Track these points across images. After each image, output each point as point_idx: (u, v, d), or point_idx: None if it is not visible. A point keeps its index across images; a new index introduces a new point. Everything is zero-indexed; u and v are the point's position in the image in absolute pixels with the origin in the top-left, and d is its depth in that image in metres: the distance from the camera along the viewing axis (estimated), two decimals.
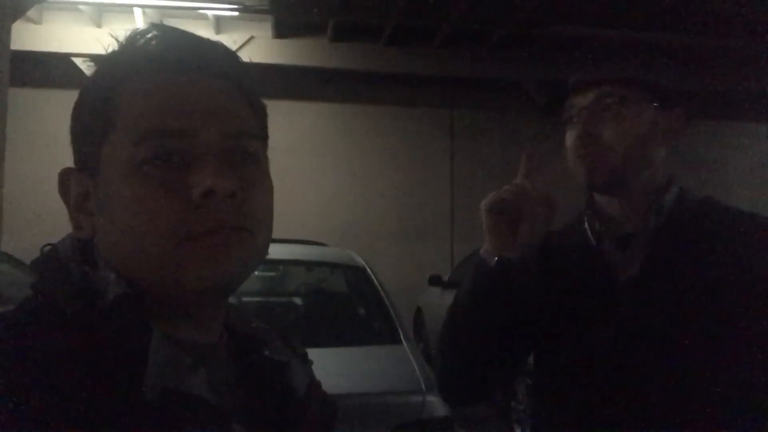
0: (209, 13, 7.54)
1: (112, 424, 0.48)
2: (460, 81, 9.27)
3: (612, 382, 1.01)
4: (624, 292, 1.04)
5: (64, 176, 0.62)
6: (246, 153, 0.60)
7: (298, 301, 4.44)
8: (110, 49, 0.61)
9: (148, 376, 0.52)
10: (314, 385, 0.71)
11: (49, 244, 0.60)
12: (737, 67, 8.53)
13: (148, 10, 7.47)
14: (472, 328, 1.06)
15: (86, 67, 7.68)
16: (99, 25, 7.82)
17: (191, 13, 7.57)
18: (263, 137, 0.66)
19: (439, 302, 7.14)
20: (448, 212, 9.94)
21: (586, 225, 1.14)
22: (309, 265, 4.42)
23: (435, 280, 7.29)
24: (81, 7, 7.41)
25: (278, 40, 8.11)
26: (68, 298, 0.55)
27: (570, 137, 1.11)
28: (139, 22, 7.42)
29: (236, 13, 7.45)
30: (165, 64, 0.59)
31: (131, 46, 0.60)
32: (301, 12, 7.47)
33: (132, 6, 7.23)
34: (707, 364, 0.96)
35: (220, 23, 7.95)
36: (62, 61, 7.81)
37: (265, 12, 7.30)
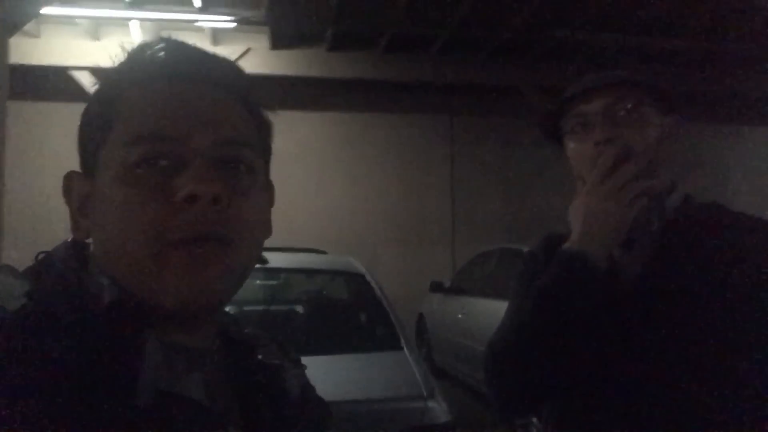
0: (206, 25, 7.57)
1: (108, 428, 0.48)
2: (460, 87, 9.30)
3: (614, 384, 1.01)
4: (626, 293, 1.05)
5: (68, 179, 0.63)
6: (238, 162, 0.60)
7: (299, 309, 4.44)
8: (118, 59, 0.63)
9: (142, 380, 0.52)
10: (308, 388, 0.72)
11: (42, 252, 0.61)
12: (736, 70, 8.56)
13: (145, 23, 7.50)
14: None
15: (88, 81, 7.72)
16: (96, 39, 7.87)
17: (188, 25, 7.61)
18: (263, 150, 0.65)
19: (441, 308, 7.13)
20: (448, 218, 9.95)
21: None
22: (310, 273, 4.43)
23: (437, 287, 7.28)
24: (78, 20, 7.46)
25: (275, 51, 8.15)
26: (63, 304, 0.54)
27: (582, 144, 1.10)
28: (136, 35, 7.46)
29: (233, 25, 7.49)
30: (169, 74, 0.60)
31: (139, 56, 0.62)
32: (298, 23, 7.50)
33: (129, 19, 7.27)
34: (710, 366, 0.96)
35: (217, 35, 7.99)
36: (60, 75, 7.85)
37: (261, 24, 7.34)
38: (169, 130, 0.57)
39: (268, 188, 0.66)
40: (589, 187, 1.03)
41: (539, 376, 1.05)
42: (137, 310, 0.55)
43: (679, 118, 1.12)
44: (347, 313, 4.20)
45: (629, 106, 1.07)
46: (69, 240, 0.62)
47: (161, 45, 0.61)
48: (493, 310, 5.68)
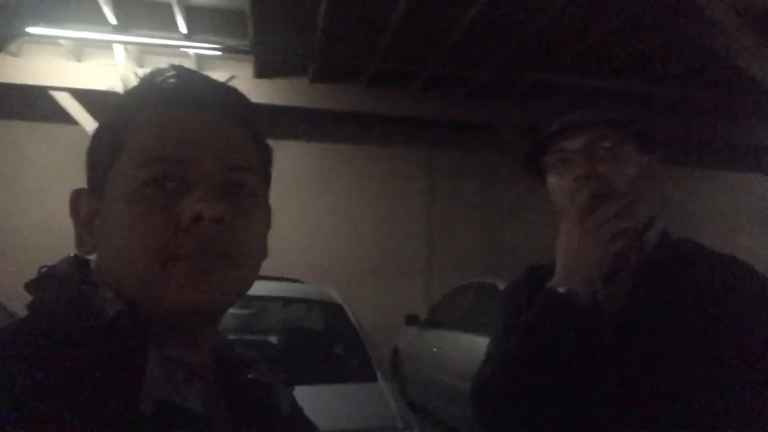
0: (191, 51, 7.60)
1: None
2: (439, 123, 9.42)
3: (599, 417, 1.03)
4: (608, 327, 1.06)
5: (75, 196, 0.66)
6: (241, 185, 0.63)
7: (273, 339, 4.39)
8: (131, 84, 0.66)
9: (144, 390, 0.54)
10: (296, 407, 0.74)
11: (45, 266, 0.62)
12: (707, 117, 8.85)
13: (129, 47, 7.51)
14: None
15: (68, 102, 7.66)
16: (79, 60, 7.83)
17: (173, 51, 7.63)
18: (264, 175, 0.69)
19: (417, 342, 7.10)
20: (425, 251, 9.98)
21: None
22: (287, 301, 4.39)
23: (412, 320, 7.26)
24: (61, 41, 7.43)
25: (259, 80, 8.18)
26: (67, 317, 0.56)
27: (563, 179, 1.12)
28: (120, 58, 7.46)
29: (218, 53, 7.53)
30: (178, 100, 0.63)
31: (149, 82, 0.65)
32: (283, 53, 7.57)
33: (113, 42, 7.27)
34: (690, 397, 0.99)
35: (201, 62, 8.01)
36: (40, 95, 7.79)
37: (246, 52, 7.39)
38: (178, 154, 0.60)
39: (267, 211, 0.69)
40: (569, 224, 1.06)
41: (527, 412, 1.07)
42: (140, 324, 0.58)
43: (657, 158, 1.15)
44: (323, 343, 4.17)
45: (609, 144, 1.09)
46: (71, 255, 0.64)
47: (172, 72, 0.64)
48: (468, 345, 5.68)
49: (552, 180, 1.14)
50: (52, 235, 8.28)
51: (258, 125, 0.68)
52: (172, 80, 0.64)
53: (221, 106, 0.64)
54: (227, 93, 0.66)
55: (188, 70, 0.66)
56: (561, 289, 1.04)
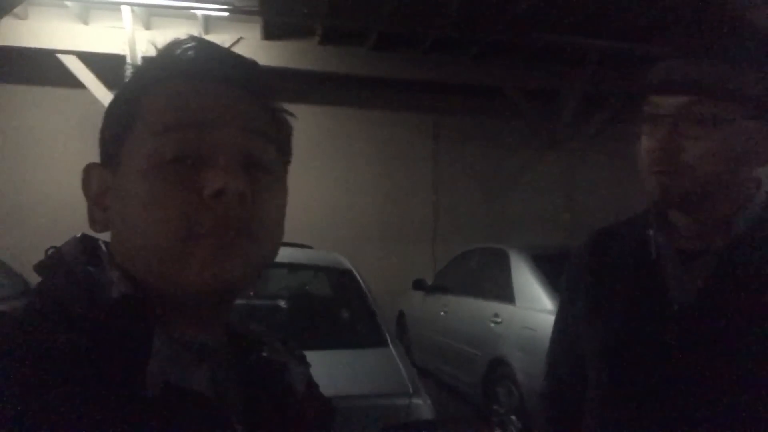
0: (198, 12, 7.51)
1: (116, 419, 0.50)
2: (445, 86, 9.32)
3: (658, 408, 0.96)
4: (678, 317, 0.96)
5: (88, 171, 0.64)
6: (261, 158, 0.61)
7: (282, 305, 4.43)
8: (148, 54, 0.64)
9: (150, 372, 0.53)
10: (312, 386, 0.73)
11: (53, 247, 0.62)
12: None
13: (136, 9, 7.42)
14: None
15: (76, 66, 7.61)
16: (86, 22, 7.75)
17: (180, 12, 7.53)
18: (283, 151, 0.67)
19: (423, 307, 7.17)
20: (430, 216, 9.99)
21: (651, 234, 1.02)
22: (295, 267, 4.42)
23: (419, 285, 7.31)
24: (68, 3, 7.34)
25: (267, 42, 8.08)
26: (74, 298, 0.56)
27: (646, 144, 0.96)
28: (127, 20, 7.38)
29: (225, 14, 7.43)
30: (196, 72, 0.61)
31: (168, 53, 0.63)
32: (291, 15, 7.47)
33: (120, 4, 7.18)
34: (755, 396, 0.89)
35: (209, 23, 7.91)
36: (47, 58, 7.73)
37: (254, 13, 7.30)
38: (197, 119, 0.58)
39: (285, 191, 0.68)
40: None
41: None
42: (146, 305, 0.57)
43: None
44: (332, 308, 4.20)
45: (709, 112, 0.90)
46: (78, 235, 0.63)
47: (190, 43, 0.63)
48: (475, 309, 5.75)
49: (641, 137, 0.97)
50: (59, 202, 8.29)
51: (279, 103, 0.67)
52: (190, 52, 0.62)
53: (240, 80, 0.63)
54: (246, 66, 0.64)
55: (208, 42, 0.64)
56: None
